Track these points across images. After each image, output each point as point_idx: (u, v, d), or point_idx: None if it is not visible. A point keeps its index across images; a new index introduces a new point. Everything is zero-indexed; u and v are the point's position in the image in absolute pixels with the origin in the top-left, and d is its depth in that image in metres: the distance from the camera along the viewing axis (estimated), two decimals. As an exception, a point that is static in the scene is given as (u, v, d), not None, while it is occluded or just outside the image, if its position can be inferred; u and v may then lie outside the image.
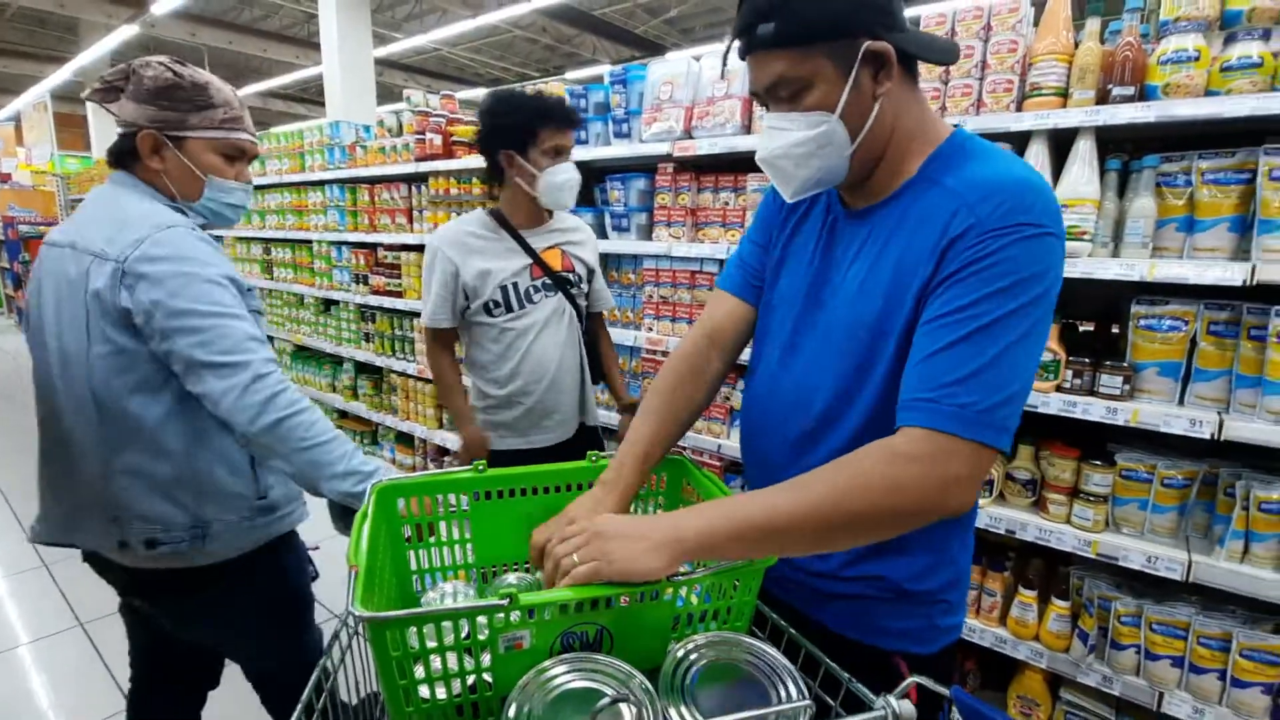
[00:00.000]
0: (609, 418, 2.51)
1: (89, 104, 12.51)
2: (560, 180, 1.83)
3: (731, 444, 2.35)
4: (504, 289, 1.86)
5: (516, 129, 1.80)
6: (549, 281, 1.93)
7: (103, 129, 12.39)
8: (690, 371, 1.07)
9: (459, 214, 3.15)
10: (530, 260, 1.90)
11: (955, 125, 0.93)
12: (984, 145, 0.89)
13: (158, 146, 1.22)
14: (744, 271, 1.10)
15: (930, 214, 0.83)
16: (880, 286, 0.86)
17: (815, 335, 0.95)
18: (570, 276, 1.98)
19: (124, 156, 1.25)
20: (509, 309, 1.88)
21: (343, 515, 1.20)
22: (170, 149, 1.23)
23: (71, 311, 1.16)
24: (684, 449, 2.36)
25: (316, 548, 1.52)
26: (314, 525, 1.46)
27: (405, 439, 3.90)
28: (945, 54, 0.88)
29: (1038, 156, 1.68)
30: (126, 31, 9.59)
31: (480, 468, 0.92)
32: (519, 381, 1.92)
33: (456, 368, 2.06)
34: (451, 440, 3.49)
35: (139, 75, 1.21)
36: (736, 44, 0.87)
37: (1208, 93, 1.48)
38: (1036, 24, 1.72)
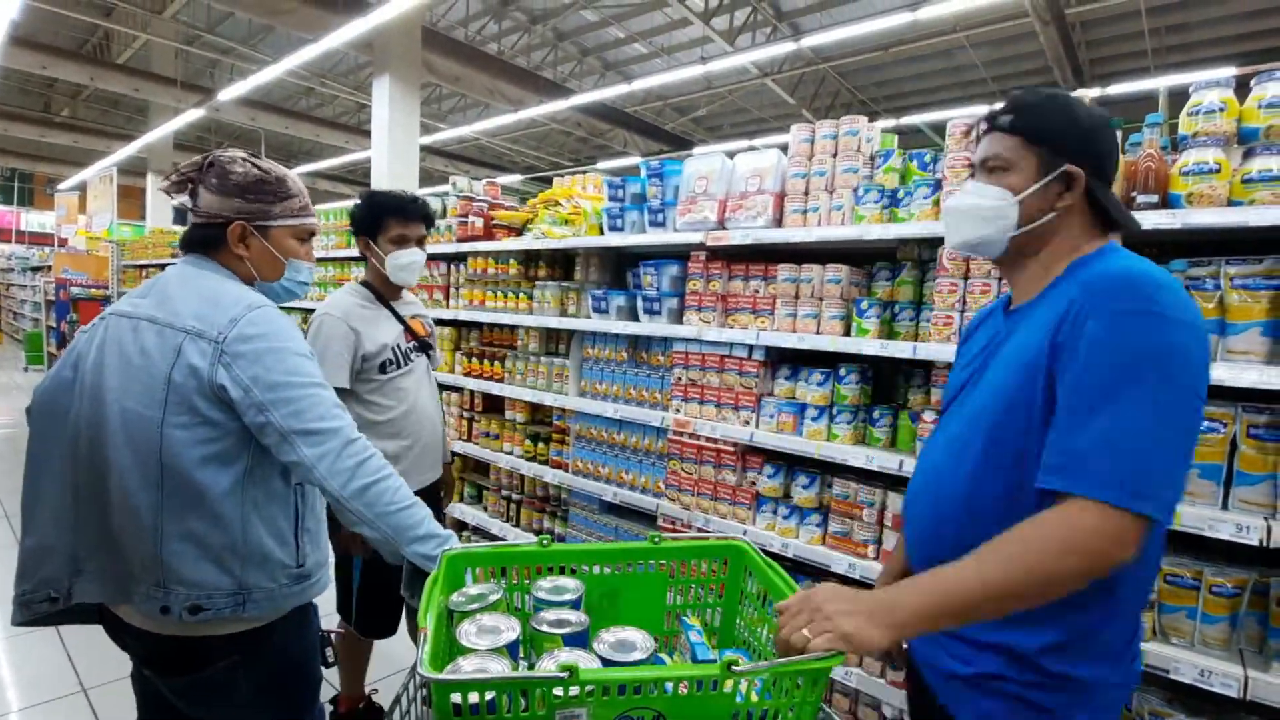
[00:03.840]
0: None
1: (149, 177, 13.37)
2: (404, 261, 2.16)
3: (756, 529, 2.31)
4: (393, 349, 2.15)
5: (366, 220, 2.18)
6: (415, 345, 2.27)
7: (159, 201, 13.15)
8: None
9: (495, 292, 3.28)
10: (402, 327, 2.23)
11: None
12: (1124, 251, 1.02)
13: (245, 236, 1.32)
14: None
15: (1057, 302, 0.98)
16: (1013, 370, 0.99)
17: (957, 420, 1.09)
18: (430, 340, 2.37)
19: (206, 244, 1.33)
20: (399, 365, 2.17)
21: (413, 580, 1.22)
22: (256, 237, 1.34)
23: (144, 383, 1.19)
24: (709, 534, 2.32)
25: (340, 632, 1.49)
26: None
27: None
28: (1127, 221, 1.06)
29: (1065, 257, 1.73)
30: (192, 115, 10.34)
31: (545, 542, 0.93)
32: (410, 427, 2.19)
33: None
34: (470, 514, 3.47)
35: (225, 170, 1.30)
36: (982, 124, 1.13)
37: (1230, 202, 1.54)
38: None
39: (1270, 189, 1.48)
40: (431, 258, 3.77)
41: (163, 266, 7.53)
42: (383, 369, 2.13)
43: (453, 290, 3.58)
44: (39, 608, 1.25)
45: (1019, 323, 1.07)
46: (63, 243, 10.07)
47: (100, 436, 1.20)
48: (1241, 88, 1.61)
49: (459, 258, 3.56)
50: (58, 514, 1.25)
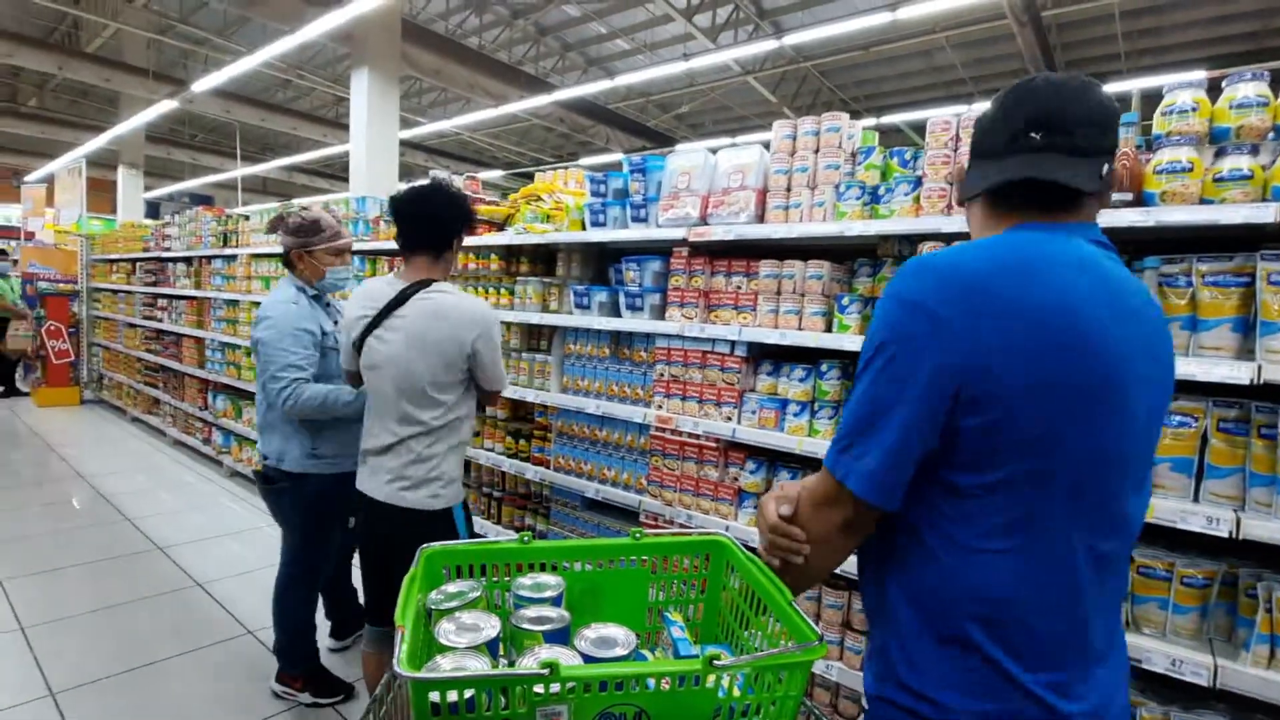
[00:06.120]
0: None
1: (120, 169, 13.03)
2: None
3: (739, 525, 2.32)
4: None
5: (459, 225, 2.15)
6: None
7: (131, 194, 12.85)
8: None
9: (476, 288, 3.25)
10: None
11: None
12: (980, 242, 0.97)
13: (300, 257, 2.48)
14: None
15: None
16: None
17: None
18: None
19: (288, 263, 2.51)
20: None
21: None
22: (306, 259, 2.49)
23: None
24: (691, 529, 2.32)
25: None
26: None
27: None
28: (964, 191, 1.04)
29: (1042, 254, 1.75)
30: (165, 106, 10.12)
31: (526, 539, 0.92)
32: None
33: None
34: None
35: (285, 222, 2.45)
36: None
37: (1202, 200, 1.57)
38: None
39: (1240, 188, 1.51)
40: (411, 253, 3.72)
41: (134, 261, 7.32)
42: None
43: (433, 286, 3.53)
44: None
45: None
46: (29, 236, 9.79)
47: None
48: (1213, 89, 1.64)
49: (439, 253, 3.51)
50: None
